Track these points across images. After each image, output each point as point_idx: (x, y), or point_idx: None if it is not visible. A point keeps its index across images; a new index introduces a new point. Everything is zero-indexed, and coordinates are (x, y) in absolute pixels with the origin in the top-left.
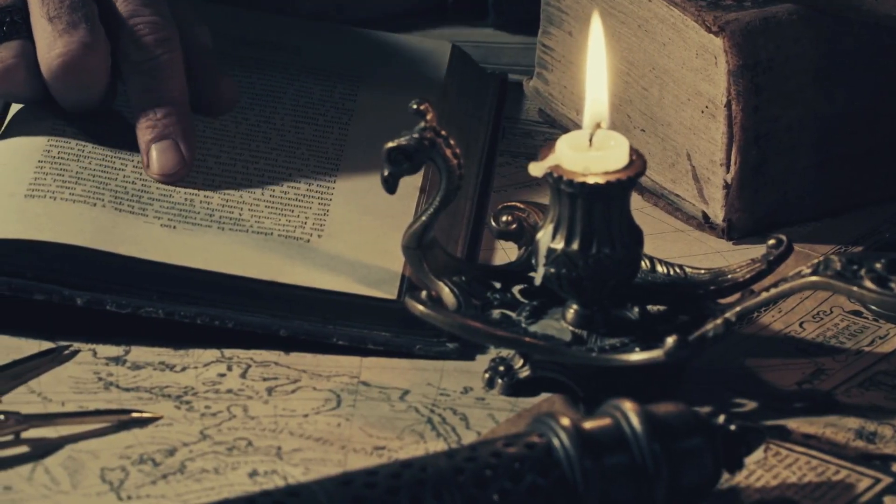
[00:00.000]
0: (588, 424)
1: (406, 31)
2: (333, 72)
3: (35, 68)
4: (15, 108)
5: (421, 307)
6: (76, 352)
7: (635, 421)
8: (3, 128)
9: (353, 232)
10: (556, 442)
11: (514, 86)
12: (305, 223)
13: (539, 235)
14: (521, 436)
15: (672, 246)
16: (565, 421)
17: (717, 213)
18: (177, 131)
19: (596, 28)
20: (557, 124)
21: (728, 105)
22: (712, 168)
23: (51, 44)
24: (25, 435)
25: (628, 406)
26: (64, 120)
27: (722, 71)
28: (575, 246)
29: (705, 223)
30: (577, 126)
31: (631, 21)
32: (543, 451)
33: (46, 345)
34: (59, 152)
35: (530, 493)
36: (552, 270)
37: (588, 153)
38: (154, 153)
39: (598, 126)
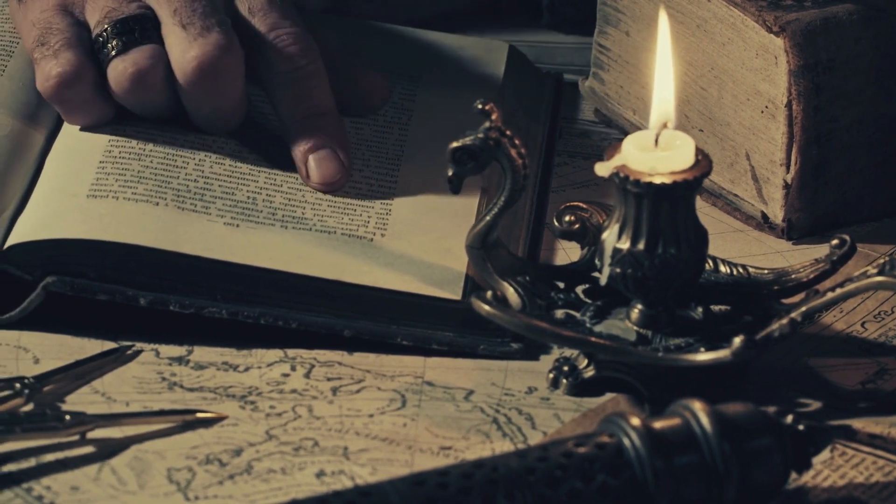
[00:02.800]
0: (658, 424)
1: (460, 32)
2: (392, 72)
3: (169, 72)
4: None
5: (487, 307)
6: (139, 352)
7: (705, 421)
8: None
9: (415, 231)
10: (626, 442)
11: (569, 86)
12: (368, 222)
13: (604, 235)
14: (591, 436)
15: (731, 246)
16: (635, 421)
17: (777, 214)
18: (333, 139)
19: (663, 27)
20: (614, 124)
21: (789, 105)
22: (772, 168)
23: (186, 48)
24: (91, 435)
25: (698, 406)
26: (124, 120)
27: (782, 71)
28: (641, 246)
29: (764, 223)
30: (634, 126)
31: (690, 21)
32: (614, 451)
33: (109, 345)
34: (120, 152)
35: (601, 493)
36: (618, 270)
37: (654, 153)
38: (312, 163)
39: (664, 126)
